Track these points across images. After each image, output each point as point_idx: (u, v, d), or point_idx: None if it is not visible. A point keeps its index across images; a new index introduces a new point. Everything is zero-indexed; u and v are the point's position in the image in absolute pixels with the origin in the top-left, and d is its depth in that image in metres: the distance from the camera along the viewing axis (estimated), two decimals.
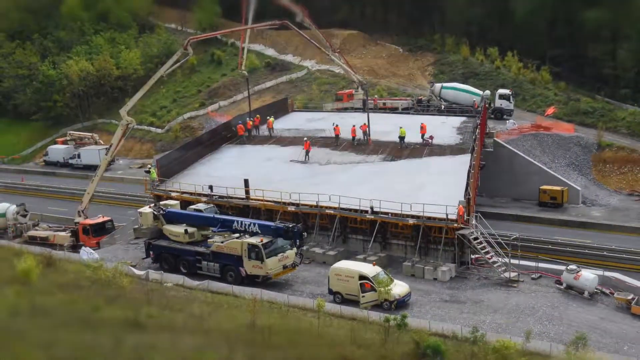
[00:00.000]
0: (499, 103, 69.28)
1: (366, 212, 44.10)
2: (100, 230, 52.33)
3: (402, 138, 57.02)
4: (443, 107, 70.40)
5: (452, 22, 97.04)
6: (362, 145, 58.35)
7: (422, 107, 72.30)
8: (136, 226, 48.06)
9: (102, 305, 29.27)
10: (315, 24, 74.49)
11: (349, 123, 62.85)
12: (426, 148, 56.04)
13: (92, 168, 79.20)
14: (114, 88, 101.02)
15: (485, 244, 40.16)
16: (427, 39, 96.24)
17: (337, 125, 59.87)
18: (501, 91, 70.77)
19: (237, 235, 40.85)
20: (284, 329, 28.89)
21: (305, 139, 57.61)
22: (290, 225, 40.03)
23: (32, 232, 54.48)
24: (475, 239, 40.28)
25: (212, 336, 27.07)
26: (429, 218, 41.90)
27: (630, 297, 36.18)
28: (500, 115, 68.52)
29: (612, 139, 64.56)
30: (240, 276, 39.69)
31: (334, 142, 59.52)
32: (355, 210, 44.68)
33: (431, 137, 56.83)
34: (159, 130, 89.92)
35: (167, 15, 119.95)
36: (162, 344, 24.77)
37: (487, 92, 70.55)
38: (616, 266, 42.37)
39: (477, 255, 41.52)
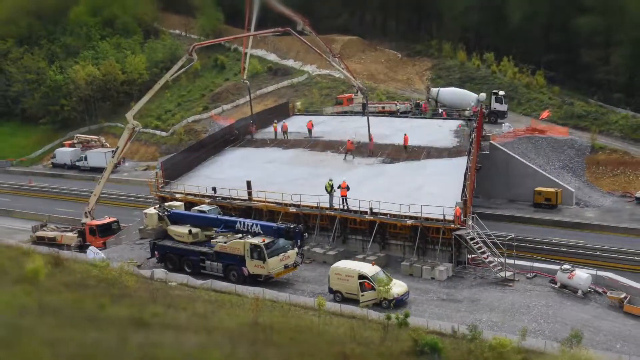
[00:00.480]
0: (494, 106, 68.62)
1: (365, 213, 44.11)
2: (107, 231, 52.37)
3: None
4: (440, 110, 70.37)
5: (449, 28, 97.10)
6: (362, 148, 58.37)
7: (419, 110, 72.26)
8: (141, 227, 48.07)
9: (108, 303, 29.27)
10: (315, 30, 74.59)
11: (349, 127, 63.02)
12: (424, 151, 56.03)
13: (99, 170, 79.22)
14: (120, 92, 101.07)
15: (482, 244, 40.15)
16: (425, 44, 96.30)
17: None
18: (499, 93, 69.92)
19: (239, 235, 40.88)
20: (285, 327, 28.89)
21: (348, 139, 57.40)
22: (292, 226, 40.07)
23: (40, 233, 54.52)
24: (472, 239, 40.27)
25: (215, 334, 27.06)
26: (427, 219, 41.89)
27: (622, 296, 36.18)
28: (495, 119, 68.09)
29: (605, 141, 64.59)
30: (243, 275, 39.70)
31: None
32: (355, 211, 44.70)
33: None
34: (164, 134, 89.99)
35: (171, 22, 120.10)
36: (166, 342, 24.76)
37: (483, 94, 70.42)
38: (609, 266, 42.41)
39: (473, 255, 41.48)
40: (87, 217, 53.30)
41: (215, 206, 47.29)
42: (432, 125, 64.16)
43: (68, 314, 27.39)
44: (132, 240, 51.00)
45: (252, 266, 39.36)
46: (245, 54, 74.28)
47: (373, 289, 35.58)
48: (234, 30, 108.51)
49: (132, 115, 52.51)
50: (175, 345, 24.41)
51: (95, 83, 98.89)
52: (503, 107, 68.63)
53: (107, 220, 53.28)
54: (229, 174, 54.57)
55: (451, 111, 69.30)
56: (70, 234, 53.53)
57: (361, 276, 36.14)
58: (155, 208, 45.87)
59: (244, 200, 49.44)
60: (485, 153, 58.10)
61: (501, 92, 69.98)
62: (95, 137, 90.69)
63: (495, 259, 40.00)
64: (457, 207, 40.78)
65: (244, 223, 41.10)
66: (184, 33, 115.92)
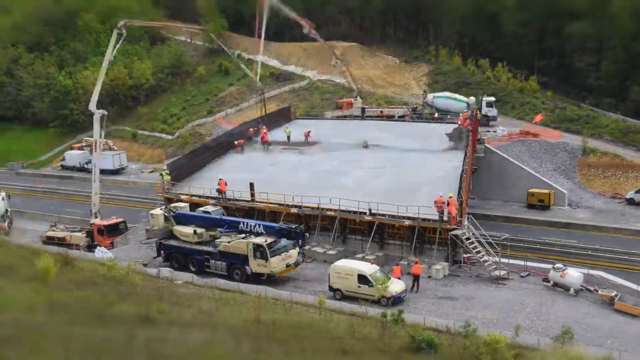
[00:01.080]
0: (485, 110, 68.72)
1: (364, 213, 44.14)
2: (114, 231, 52.45)
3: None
4: (436, 114, 70.42)
5: (446, 35, 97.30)
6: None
7: (417, 114, 72.30)
8: (148, 227, 48.13)
9: (116, 301, 29.29)
10: (322, 36, 74.18)
11: (345, 129, 63.03)
12: (421, 153, 56.06)
13: (107, 172, 79.50)
14: (127, 97, 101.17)
15: (477, 243, 40.16)
16: (422, 50, 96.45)
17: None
18: (487, 99, 70.36)
19: (243, 235, 40.92)
20: (287, 324, 28.91)
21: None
22: (293, 226, 40.12)
23: (50, 233, 54.59)
24: (467, 239, 40.30)
25: (219, 331, 27.08)
26: (424, 219, 41.92)
27: (613, 294, 36.15)
28: (487, 122, 67.96)
29: (596, 144, 64.59)
30: (246, 274, 39.73)
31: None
32: (354, 212, 44.72)
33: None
34: (169, 137, 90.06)
35: (176, 29, 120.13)
36: (172, 338, 24.78)
37: (472, 98, 70.43)
38: (600, 265, 42.35)
39: (469, 255, 41.51)
40: (95, 217, 53.34)
41: (219, 207, 47.31)
42: (428, 129, 64.21)
43: (77, 311, 27.42)
44: (139, 240, 51.03)
45: (255, 265, 39.39)
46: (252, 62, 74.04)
47: (372, 286, 35.59)
48: (237, 37, 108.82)
49: (94, 104, 53.62)
50: (180, 341, 24.44)
51: (103, 88, 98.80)
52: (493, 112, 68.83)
53: (114, 220, 53.34)
54: (232, 176, 54.56)
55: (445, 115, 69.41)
56: (79, 234, 53.59)
57: (360, 275, 36.16)
58: (161, 209, 45.92)
59: (247, 201, 49.47)
60: (481, 156, 58.14)
61: (488, 99, 70.09)
62: (103, 140, 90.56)
63: (490, 258, 39.99)
64: (452, 198, 40.89)
65: (247, 223, 41.16)
66: (189, 40, 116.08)
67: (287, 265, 39.78)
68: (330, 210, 45.74)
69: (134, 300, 30.00)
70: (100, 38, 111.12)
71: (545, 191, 56.41)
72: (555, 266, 38.23)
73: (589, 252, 44.93)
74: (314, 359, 25.48)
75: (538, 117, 71.00)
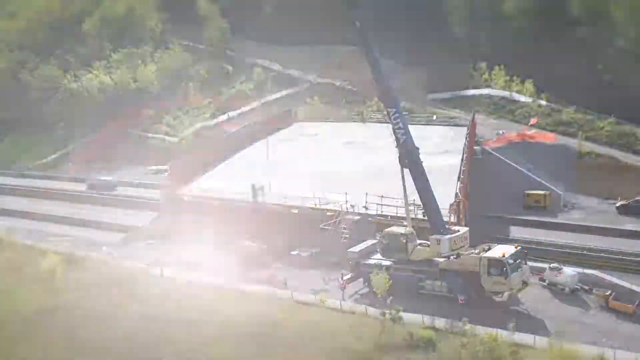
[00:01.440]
0: None
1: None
2: None
3: None
4: (435, 117, 70.51)
5: (445, 39, 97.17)
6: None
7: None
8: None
9: (121, 300, 29.47)
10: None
11: (344, 130, 62.98)
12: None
13: None
14: (132, 100, 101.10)
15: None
16: (422, 54, 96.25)
17: None
18: None
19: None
20: (289, 322, 29.09)
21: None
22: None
23: None
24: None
25: (224, 328, 27.25)
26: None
27: (608, 293, 36.28)
28: None
29: (592, 147, 64.66)
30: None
31: None
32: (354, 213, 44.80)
33: None
34: (173, 139, 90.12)
35: (179, 32, 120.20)
36: (177, 336, 24.95)
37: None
38: (595, 264, 42.41)
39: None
40: None
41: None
42: (426, 131, 64.31)
43: (83, 310, 27.61)
44: (142, 240, 51.02)
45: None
46: None
47: None
48: (240, 40, 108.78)
49: None
50: (185, 339, 24.61)
51: (108, 91, 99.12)
52: None
53: None
54: (235, 177, 54.73)
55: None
56: None
57: None
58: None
59: (249, 202, 49.53)
60: (478, 157, 58.28)
61: None
62: None
63: None
64: None
65: None
66: (192, 43, 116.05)
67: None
68: (331, 210, 45.84)
69: (138, 299, 30.21)
70: (104, 42, 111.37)
71: (542, 192, 56.44)
72: (551, 266, 38.39)
73: (584, 252, 44.98)
74: (315, 357, 25.65)
75: (534, 120, 71.10)
